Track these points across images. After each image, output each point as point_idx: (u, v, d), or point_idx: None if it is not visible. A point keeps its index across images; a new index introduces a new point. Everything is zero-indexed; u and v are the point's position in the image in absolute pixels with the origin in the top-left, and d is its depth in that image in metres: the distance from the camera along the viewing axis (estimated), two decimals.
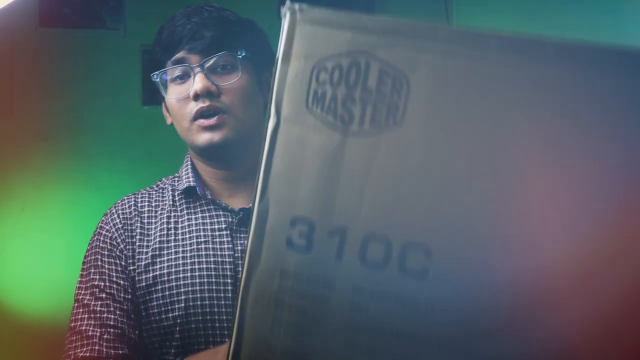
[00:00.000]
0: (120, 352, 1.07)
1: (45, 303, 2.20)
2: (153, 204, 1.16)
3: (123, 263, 1.11)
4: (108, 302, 1.08)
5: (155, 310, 1.08)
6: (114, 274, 1.10)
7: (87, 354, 1.06)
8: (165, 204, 1.14)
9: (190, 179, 1.14)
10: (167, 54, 1.10)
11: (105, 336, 1.06)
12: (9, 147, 2.24)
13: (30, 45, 2.29)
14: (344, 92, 0.65)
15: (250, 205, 1.01)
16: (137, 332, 1.09)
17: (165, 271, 1.08)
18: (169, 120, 1.18)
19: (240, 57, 1.09)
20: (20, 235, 2.44)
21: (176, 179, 1.20)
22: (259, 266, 0.68)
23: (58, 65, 2.26)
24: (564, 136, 0.60)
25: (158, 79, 1.11)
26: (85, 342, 1.08)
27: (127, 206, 1.16)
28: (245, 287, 0.68)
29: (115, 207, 1.17)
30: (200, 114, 1.08)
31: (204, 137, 1.08)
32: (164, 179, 1.23)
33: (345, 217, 0.65)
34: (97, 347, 1.06)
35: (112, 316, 1.07)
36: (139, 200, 1.16)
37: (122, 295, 1.09)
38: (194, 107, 1.08)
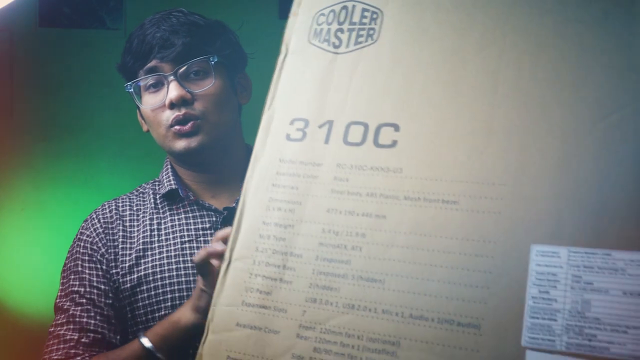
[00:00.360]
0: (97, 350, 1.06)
1: (45, 303, 2.06)
2: (134, 208, 1.15)
3: (104, 267, 1.11)
4: (88, 307, 1.07)
5: (142, 311, 1.09)
6: (94, 279, 1.09)
7: (63, 357, 1.06)
8: (147, 207, 1.15)
9: (172, 182, 1.14)
10: (139, 64, 1.10)
11: (83, 340, 1.06)
12: (9, 147, 2.20)
13: (30, 45, 2.27)
14: (336, 26, 0.85)
15: (234, 204, 1.12)
16: (118, 337, 1.08)
17: (150, 271, 1.08)
18: (145, 128, 1.18)
19: (212, 63, 1.09)
20: (20, 235, 2.42)
21: (157, 183, 1.20)
22: (262, 158, 0.83)
23: (58, 65, 2.25)
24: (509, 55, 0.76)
25: (132, 89, 1.12)
26: (62, 345, 1.07)
27: (107, 211, 1.16)
28: (249, 177, 0.83)
29: (95, 212, 1.17)
30: (176, 122, 1.08)
31: (180, 144, 1.09)
32: (143, 184, 1.23)
33: (333, 112, 0.81)
34: (73, 351, 1.06)
35: (92, 321, 1.06)
36: (120, 204, 1.16)
37: (102, 300, 1.08)
38: (170, 115, 1.08)
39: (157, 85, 1.10)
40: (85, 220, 1.17)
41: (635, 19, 0.70)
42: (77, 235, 1.16)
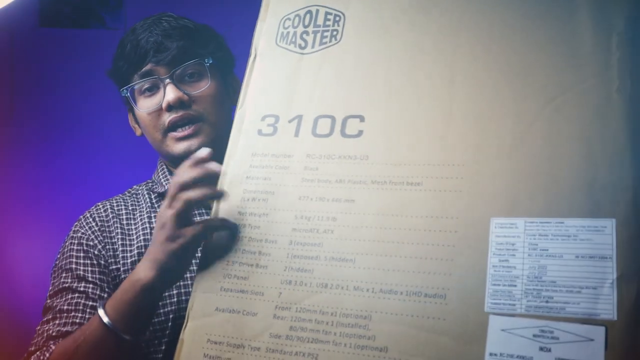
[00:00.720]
0: None
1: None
2: (130, 208, 1.14)
3: (102, 262, 1.07)
4: (78, 300, 1.02)
5: None
6: (89, 275, 1.05)
7: (36, 348, 0.98)
8: (143, 207, 1.13)
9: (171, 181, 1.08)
10: (133, 68, 1.10)
11: (64, 329, 0.99)
12: (9, 147, 2.15)
13: (30, 45, 2.22)
14: (302, 29, 0.89)
15: None
16: None
17: None
18: (138, 132, 1.17)
19: (207, 64, 1.09)
20: (20, 235, 2.33)
21: (151, 184, 1.18)
22: (236, 155, 0.86)
23: (58, 65, 2.23)
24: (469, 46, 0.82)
25: (128, 94, 1.11)
26: (39, 339, 1.00)
27: (102, 210, 1.13)
28: (223, 173, 0.86)
29: (89, 212, 1.15)
30: (174, 125, 1.08)
31: (180, 147, 1.08)
32: (135, 186, 1.21)
33: (302, 107, 0.85)
34: (52, 342, 0.98)
35: (79, 314, 1.01)
36: (115, 204, 1.14)
37: (97, 293, 1.04)
38: (167, 117, 1.07)
39: (153, 89, 1.10)
40: (79, 220, 1.15)
41: (575, 12, 0.75)
42: (69, 234, 1.14)
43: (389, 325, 0.70)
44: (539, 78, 0.74)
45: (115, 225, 1.10)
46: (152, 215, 1.12)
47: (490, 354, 0.65)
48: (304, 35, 0.89)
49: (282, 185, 0.82)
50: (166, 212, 0.82)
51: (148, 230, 1.09)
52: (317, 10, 0.90)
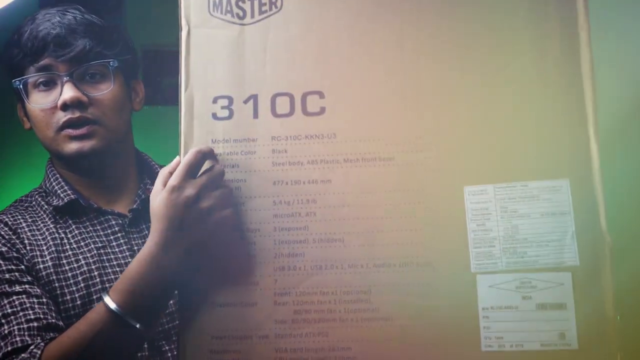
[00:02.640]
0: (51, 337, 0.89)
1: None
2: (30, 220, 1.03)
3: (25, 264, 0.96)
4: (21, 299, 0.92)
5: (72, 321, 0.92)
6: (17, 276, 0.94)
7: (10, 349, 0.88)
8: (46, 220, 1.03)
9: (69, 192, 1.04)
10: (30, 59, 1.01)
11: (24, 325, 0.90)
12: (9, 147, 2.15)
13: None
14: None
15: (136, 205, 1.03)
16: (61, 321, 0.93)
17: (72, 281, 0.97)
18: (27, 125, 1.07)
19: (112, 67, 1.02)
20: None
21: (42, 194, 1.07)
22: (193, 142, 0.82)
23: None
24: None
25: (20, 85, 1.01)
26: (17, 340, 0.89)
27: (2, 224, 1.01)
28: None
29: None
30: (69, 124, 0.99)
31: (72, 147, 1.00)
32: (22, 197, 1.09)
33: (255, 86, 0.81)
34: (18, 339, 0.89)
35: (31, 310, 0.91)
36: (10, 218, 1.02)
37: (38, 290, 0.94)
38: (61, 116, 0.99)
39: (49, 84, 1.00)
40: None
41: None
42: None
43: (389, 297, 0.76)
44: (491, 48, 0.78)
45: (18, 234, 0.99)
46: (58, 226, 1.01)
47: (483, 309, 0.74)
48: (240, 3, 0.83)
49: (253, 171, 0.80)
50: (207, 201, 0.78)
51: (58, 241, 0.99)
52: None
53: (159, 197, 0.79)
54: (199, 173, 0.79)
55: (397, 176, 0.78)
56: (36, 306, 0.91)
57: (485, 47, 0.78)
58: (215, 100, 0.82)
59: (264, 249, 0.79)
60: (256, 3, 0.82)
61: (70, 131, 0.99)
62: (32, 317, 0.90)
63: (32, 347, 0.86)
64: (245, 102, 0.81)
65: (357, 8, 0.81)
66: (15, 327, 0.89)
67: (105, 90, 1.01)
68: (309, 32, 0.81)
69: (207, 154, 0.80)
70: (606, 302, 0.73)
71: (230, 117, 0.81)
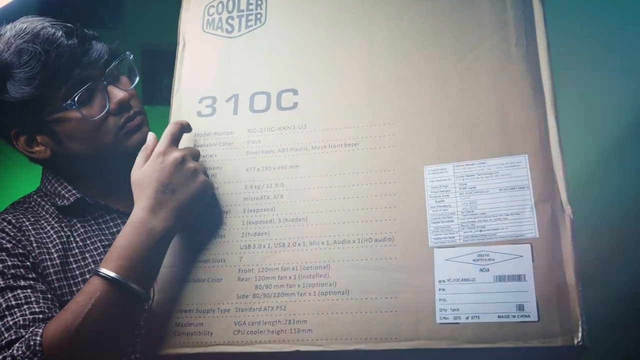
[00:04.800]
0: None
1: None
2: (32, 220, 0.99)
3: (32, 261, 0.93)
4: (26, 292, 0.89)
5: None
6: (23, 271, 0.91)
7: (14, 337, 0.84)
8: (50, 220, 1.00)
9: (74, 192, 1.01)
10: (59, 81, 0.94)
11: (29, 316, 0.86)
12: (10, 147, 2.04)
13: None
14: (226, 15, 0.91)
15: None
16: None
17: (80, 279, 0.95)
18: (44, 154, 0.99)
19: (131, 57, 1.00)
20: None
21: (44, 195, 1.03)
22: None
23: None
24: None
25: (73, 105, 0.94)
26: (12, 332, 0.85)
27: (2, 221, 0.98)
28: None
29: None
30: (128, 120, 0.98)
31: (134, 140, 0.97)
32: (20, 199, 1.05)
33: (237, 87, 0.87)
34: (23, 330, 0.84)
35: (36, 304, 0.88)
36: (15, 218, 0.98)
37: (41, 286, 0.91)
38: (118, 119, 0.97)
39: (89, 98, 0.96)
40: None
41: None
42: None
43: (347, 271, 0.74)
44: (448, 41, 0.81)
45: (26, 234, 0.96)
46: (63, 225, 0.99)
47: (439, 281, 0.71)
48: (230, 20, 0.91)
49: (228, 160, 0.84)
50: (191, 163, 0.81)
51: (65, 239, 0.97)
52: None
53: (146, 166, 0.82)
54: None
55: (360, 160, 0.79)
56: (41, 301, 0.89)
57: (448, 36, 0.81)
58: (201, 100, 0.88)
59: (233, 229, 0.80)
60: (243, 19, 0.90)
61: (130, 125, 0.97)
62: (37, 310, 0.88)
63: (33, 328, 0.83)
64: (227, 100, 0.87)
65: (332, 18, 0.87)
66: (20, 319, 0.86)
67: (134, 83, 1.00)
68: (286, 41, 0.88)
69: (185, 127, 0.85)
70: (567, 272, 0.67)
71: (212, 114, 0.87)
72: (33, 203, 1.04)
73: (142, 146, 0.89)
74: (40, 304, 0.88)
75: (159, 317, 0.78)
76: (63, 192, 1.02)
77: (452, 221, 0.73)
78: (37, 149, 1.00)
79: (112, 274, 0.78)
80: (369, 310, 0.72)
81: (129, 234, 0.81)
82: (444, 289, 0.70)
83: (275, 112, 0.85)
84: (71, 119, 0.95)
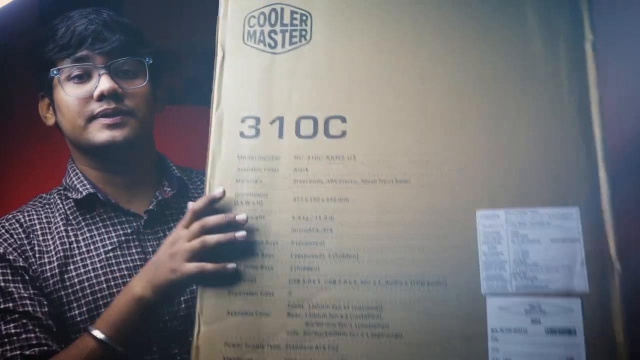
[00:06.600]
0: None
1: None
2: (44, 221, 1.02)
3: (31, 274, 0.95)
4: (24, 321, 0.91)
5: (78, 328, 0.94)
6: (22, 291, 0.93)
7: None
8: (57, 219, 1.02)
9: (87, 186, 1.02)
10: (65, 52, 1.00)
11: (27, 352, 0.89)
12: (9, 147, 2.08)
13: (30, 45, 1.99)
14: (268, 28, 0.85)
15: (152, 206, 1.01)
16: (63, 346, 0.92)
17: (79, 287, 0.95)
18: (50, 121, 1.06)
19: (148, 63, 1.03)
20: None
21: (61, 191, 1.06)
22: (221, 157, 0.82)
23: None
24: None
25: (58, 74, 1.00)
26: None
27: (15, 222, 1.00)
28: (210, 176, 0.82)
29: (1, 227, 1.00)
30: (104, 114, 0.99)
31: (104, 135, 0.98)
32: (43, 194, 1.08)
33: (282, 109, 0.82)
34: None
35: (32, 335, 0.90)
36: (26, 217, 1.02)
37: (38, 309, 0.92)
38: (96, 107, 0.98)
39: (83, 77, 1.00)
40: None
41: (524, 15, 0.80)
42: None
43: (400, 314, 0.74)
44: (501, 82, 0.79)
45: (31, 240, 0.98)
46: (69, 229, 1.00)
47: (492, 330, 0.72)
48: (272, 35, 0.85)
49: (274, 187, 0.80)
50: (182, 244, 0.79)
51: (67, 246, 0.98)
52: (282, 9, 0.86)
53: (165, 257, 0.82)
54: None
55: (411, 198, 0.77)
56: (37, 330, 0.91)
57: (501, 79, 0.79)
58: (243, 120, 0.83)
59: (281, 261, 0.77)
60: (287, 35, 0.85)
61: (103, 120, 0.98)
62: (34, 342, 0.90)
63: None
64: (272, 122, 0.82)
65: (380, 45, 0.83)
66: (18, 353, 0.89)
67: (139, 85, 1.01)
68: (334, 63, 0.83)
69: (216, 200, 0.80)
70: (616, 329, 0.69)
71: (256, 135, 0.82)
72: (51, 201, 1.05)
73: (112, 143, 0.97)
74: (37, 334, 0.91)
75: (206, 351, 0.75)
76: (79, 185, 1.03)
77: (505, 269, 0.73)
78: (47, 114, 1.07)
79: (102, 336, 0.85)
80: (422, 356, 0.72)
81: (122, 295, 0.86)
82: (496, 339, 0.71)
83: (323, 139, 0.81)
84: (61, 90, 1.01)
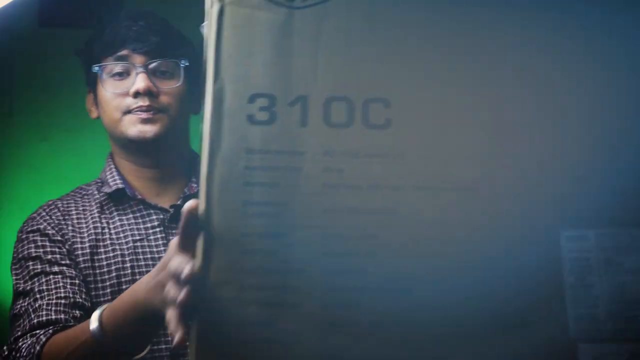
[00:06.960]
0: (75, 314, 0.95)
1: None
2: (80, 208, 1.10)
3: (67, 248, 1.03)
4: (57, 278, 0.99)
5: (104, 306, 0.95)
6: (58, 257, 1.01)
7: (35, 321, 0.93)
8: (93, 208, 1.10)
9: (118, 182, 1.10)
10: (109, 51, 1.08)
11: (54, 300, 0.95)
12: (9, 147, 2.20)
13: (30, 45, 2.24)
14: None
15: (179, 201, 1.06)
16: (89, 302, 0.98)
17: (106, 269, 1.03)
18: (94, 114, 1.14)
19: (183, 65, 1.08)
20: None
21: (99, 184, 1.14)
22: (221, 151, 0.59)
23: (58, 65, 2.18)
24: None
25: (100, 71, 1.08)
26: (28, 325, 0.94)
27: (53, 206, 1.09)
28: (207, 174, 0.59)
29: (41, 209, 1.10)
30: (138, 110, 1.05)
31: (136, 129, 1.05)
32: (83, 185, 1.16)
33: (304, 85, 0.60)
34: (44, 313, 0.94)
35: (62, 289, 0.97)
36: (65, 204, 1.10)
37: (73, 272, 1.00)
38: (132, 103, 1.05)
39: (122, 75, 1.08)
40: (31, 219, 1.08)
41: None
42: (21, 235, 1.07)
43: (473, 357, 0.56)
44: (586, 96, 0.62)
45: (68, 223, 1.07)
46: (102, 217, 1.08)
47: None
48: None
49: (298, 194, 0.58)
50: (168, 279, 0.65)
51: (99, 230, 1.06)
52: None
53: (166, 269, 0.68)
54: None
55: (480, 212, 0.59)
56: (68, 286, 0.98)
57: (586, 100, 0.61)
58: (252, 99, 0.60)
59: (312, 297, 0.57)
60: None
61: (138, 114, 1.05)
62: (62, 294, 0.97)
63: (41, 333, 0.91)
64: (292, 104, 0.60)
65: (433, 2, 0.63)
66: (45, 302, 0.96)
67: (173, 85, 1.08)
68: (375, 24, 0.61)
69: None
70: None
71: (271, 121, 0.60)
72: (90, 191, 1.13)
73: (143, 137, 1.05)
74: (67, 288, 0.98)
75: None
76: (110, 180, 1.11)
77: (598, 307, 0.58)
78: (92, 108, 1.15)
79: (94, 326, 0.82)
80: None
81: (128, 292, 0.83)
82: None
83: (361, 129, 0.60)
84: (101, 86, 1.09)
